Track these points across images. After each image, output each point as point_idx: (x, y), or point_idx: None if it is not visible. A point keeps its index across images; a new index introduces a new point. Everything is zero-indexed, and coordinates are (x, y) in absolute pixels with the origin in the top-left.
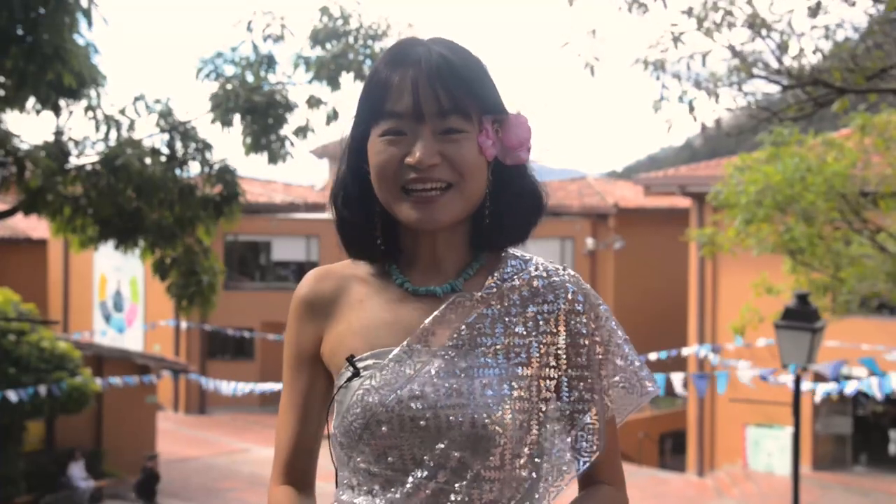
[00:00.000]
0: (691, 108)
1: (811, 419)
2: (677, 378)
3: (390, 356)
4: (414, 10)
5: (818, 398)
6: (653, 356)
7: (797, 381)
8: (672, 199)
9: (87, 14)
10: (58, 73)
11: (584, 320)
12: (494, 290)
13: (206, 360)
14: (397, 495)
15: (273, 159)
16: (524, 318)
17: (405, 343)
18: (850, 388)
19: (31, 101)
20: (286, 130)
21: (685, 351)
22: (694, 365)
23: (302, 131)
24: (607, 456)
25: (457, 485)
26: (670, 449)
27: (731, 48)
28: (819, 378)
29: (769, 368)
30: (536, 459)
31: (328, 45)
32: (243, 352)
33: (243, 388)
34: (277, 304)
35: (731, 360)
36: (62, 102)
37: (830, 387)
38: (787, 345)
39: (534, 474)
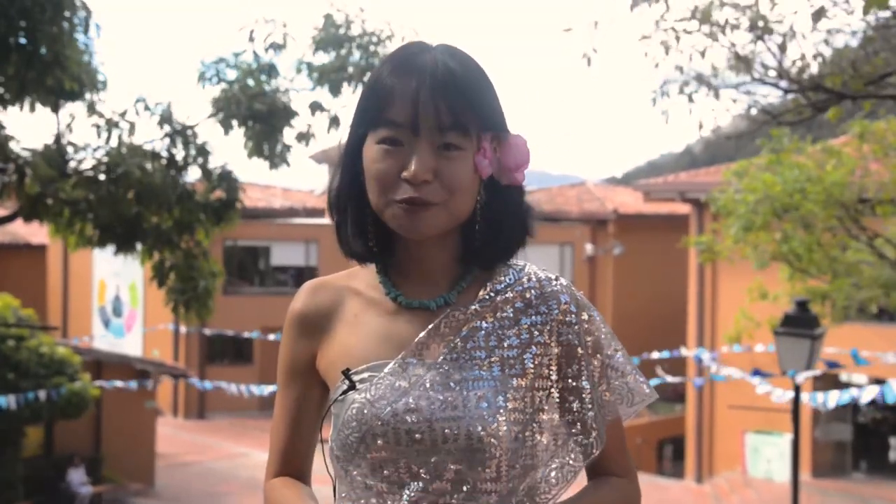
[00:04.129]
0: (691, 99)
1: (811, 426)
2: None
3: (385, 370)
4: (417, 17)
5: (813, 403)
6: (654, 355)
7: (797, 389)
8: (672, 205)
9: (84, 23)
10: (58, 78)
11: (577, 330)
12: (488, 302)
13: (205, 365)
14: None
15: (273, 165)
16: (518, 330)
17: (400, 356)
18: (846, 396)
19: (28, 102)
20: (288, 136)
21: (684, 351)
22: (693, 370)
23: (304, 137)
24: (614, 451)
25: (453, 497)
26: (669, 455)
27: (734, 49)
28: (818, 382)
29: (767, 373)
30: (533, 471)
31: (331, 52)
32: (242, 356)
33: (242, 389)
34: (277, 309)
35: (730, 369)
36: (62, 105)
37: (830, 395)
38: (787, 351)
39: (530, 485)
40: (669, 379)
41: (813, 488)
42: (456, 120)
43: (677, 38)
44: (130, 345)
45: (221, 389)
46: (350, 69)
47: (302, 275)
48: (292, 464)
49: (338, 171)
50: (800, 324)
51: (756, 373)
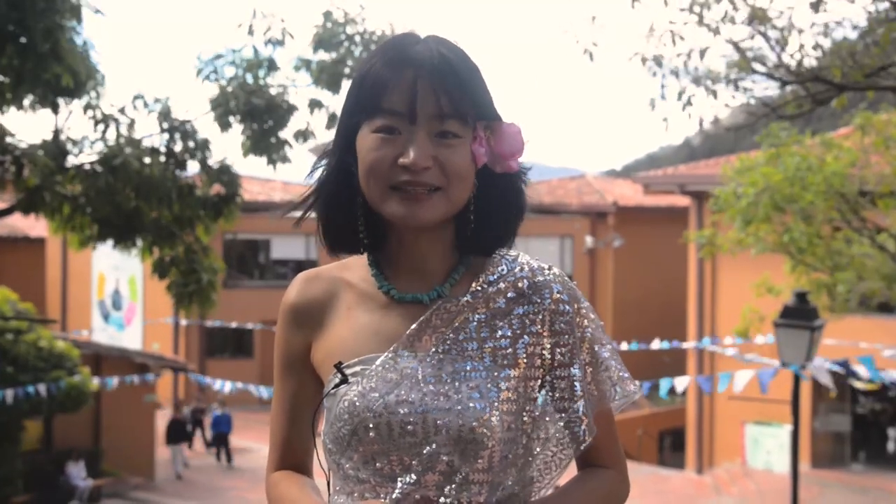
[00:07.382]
0: (688, 104)
1: (810, 417)
2: (680, 381)
3: (377, 362)
4: (417, 14)
5: (826, 380)
6: (655, 345)
7: (796, 380)
8: (671, 197)
9: (76, 12)
10: (55, 71)
11: (569, 319)
12: (480, 294)
13: (205, 359)
14: (386, 501)
15: (272, 161)
16: (510, 321)
17: (391, 349)
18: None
19: (28, 100)
20: (286, 133)
21: (684, 345)
22: (693, 361)
23: (302, 134)
24: (604, 443)
25: (445, 488)
26: (669, 446)
27: (733, 43)
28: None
29: (768, 368)
30: (525, 460)
31: (331, 50)
32: (242, 350)
33: (239, 386)
34: (277, 302)
35: (728, 354)
36: (60, 101)
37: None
38: (786, 343)
39: (522, 475)
40: (676, 382)
41: (812, 479)
42: (455, 108)
43: (674, 42)
44: (130, 338)
45: (223, 383)
46: (349, 66)
47: (302, 268)
48: (293, 457)
49: (324, 163)
50: (799, 315)
51: (761, 373)
